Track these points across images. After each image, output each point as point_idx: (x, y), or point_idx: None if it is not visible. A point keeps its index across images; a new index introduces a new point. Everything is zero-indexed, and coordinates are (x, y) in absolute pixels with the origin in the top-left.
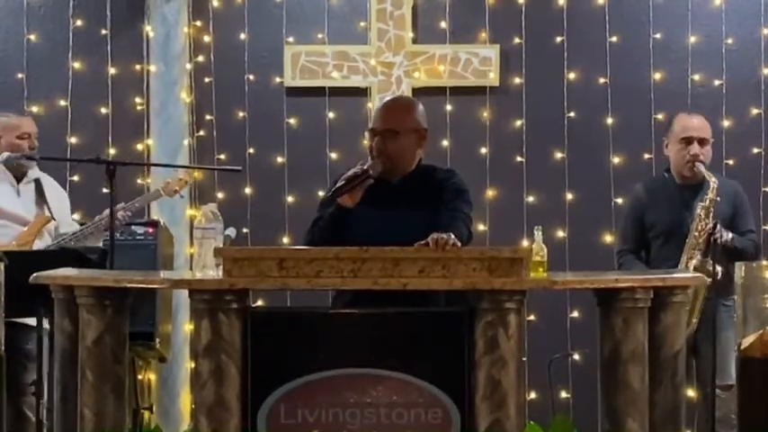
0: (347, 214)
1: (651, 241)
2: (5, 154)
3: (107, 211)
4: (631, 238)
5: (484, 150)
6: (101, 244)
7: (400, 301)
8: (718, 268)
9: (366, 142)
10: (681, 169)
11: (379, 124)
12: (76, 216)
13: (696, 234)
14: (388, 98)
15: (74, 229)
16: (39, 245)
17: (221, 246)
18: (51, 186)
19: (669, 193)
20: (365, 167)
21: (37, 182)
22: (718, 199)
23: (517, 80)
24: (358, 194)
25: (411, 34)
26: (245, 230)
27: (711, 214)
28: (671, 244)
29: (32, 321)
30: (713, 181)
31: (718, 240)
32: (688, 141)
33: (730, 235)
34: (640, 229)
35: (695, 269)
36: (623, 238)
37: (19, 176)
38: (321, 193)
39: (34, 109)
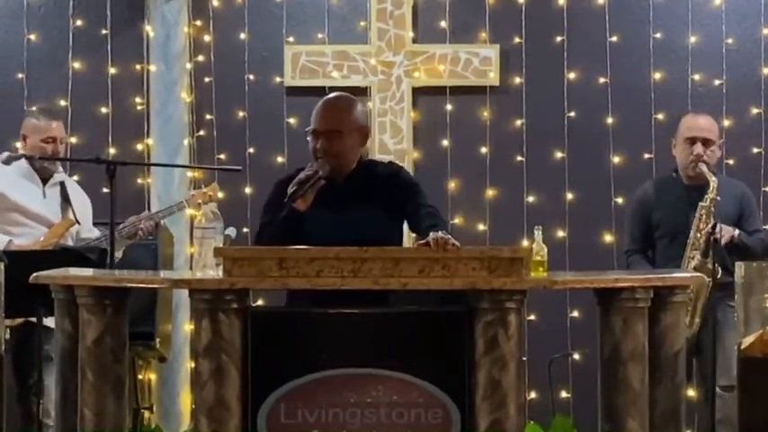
0: (299, 217)
1: (657, 241)
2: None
3: (132, 219)
4: (639, 237)
5: (484, 150)
6: (119, 253)
7: (390, 301)
8: (719, 269)
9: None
10: (685, 169)
11: (320, 125)
12: (98, 233)
13: (697, 234)
14: (326, 98)
15: (94, 234)
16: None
17: (221, 245)
18: (75, 190)
19: (676, 193)
20: (315, 169)
21: (62, 185)
22: (719, 198)
23: (517, 80)
24: (310, 197)
25: (411, 34)
26: (245, 230)
27: (712, 214)
28: (676, 244)
29: (52, 323)
30: (713, 180)
31: (719, 240)
32: (692, 141)
33: (736, 231)
34: (647, 228)
35: (695, 269)
36: (631, 237)
37: (45, 178)
38: (267, 198)
39: (34, 109)
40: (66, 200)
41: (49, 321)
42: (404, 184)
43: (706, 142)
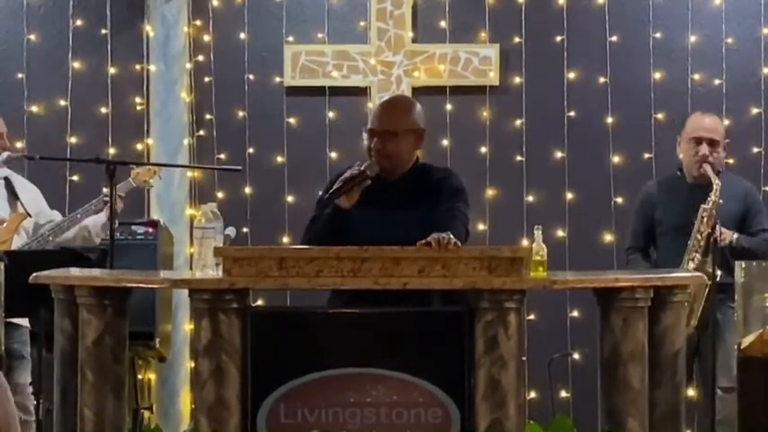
0: (344, 215)
1: (659, 239)
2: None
3: (103, 194)
4: (641, 235)
5: (484, 150)
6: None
7: (391, 301)
8: (718, 271)
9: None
10: (690, 169)
11: (377, 125)
12: (60, 216)
13: (698, 236)
14: (385, 98)
15: (56, 216)
16: (17, 242)
17: (221, 245)
18: (21, 183)
19: (679, 192)
20: (362, 168)
21: (6, 180)
22: (721, 201)
23: (517, 80)
24: (355, 195)
25: (411, 34)
26: (245, 230)
27: (713, 216)
28: (678, 243)
29: (24, 321)
30: (716, 183)
31: (719, 242)
32: (698, 141)
33: (735, 235)
34: (649, 226)
35: (695, 270)
36: (633, 235)
37: None
38: (321, 193)
39: (34, 109)
40: (12, 194)
41: (21, 320)
42: (448, 188)
43: (712, 143)
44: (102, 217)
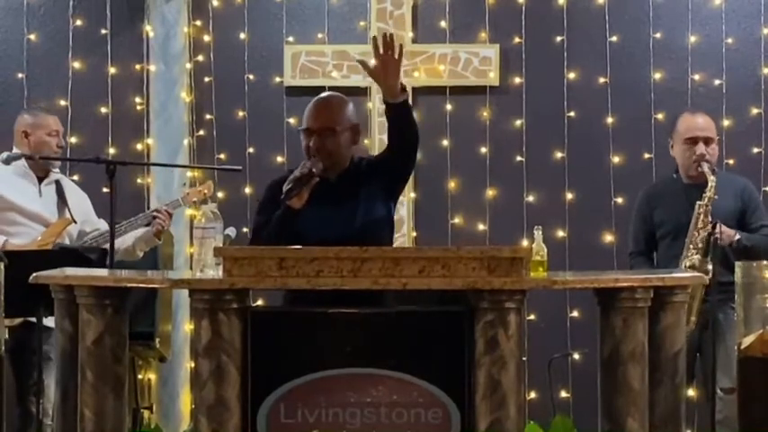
0: (295, 215)
1: (659, 241)
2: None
3: (154, 209)
4: (642, 239)
5: (484, 150)
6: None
7: (384, 301)
8: (712, 267)
9: (367, 141)
10: (687, 170)
11: (313, 123)
12: (106, 226)
13: (695, 234)
14: (317, 97)
15: (103, 226)
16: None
17: (221, 245)
18: (71, 188)
19: (676, 193)
20: (309, 167)
21: (57, 183)
22: (716, 198)
23: (517, 80)
24: (305, 195)
25: (411, 34)
26: (244, 230)
27: (709, 213)
28: (678, 243)
29: (51, 323)
30: (711, 180)
31: (719, 241)
32: (693, 142)
33: (736, 235)
34: (650, 229)
35: (693, 268)
36: (634, 240)
37: (41, 177)
38: (259, 201)
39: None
40: (62, 198)
41: (49, 321)
42: (375, 160)
43: (707, 141)
44: (150, 231)
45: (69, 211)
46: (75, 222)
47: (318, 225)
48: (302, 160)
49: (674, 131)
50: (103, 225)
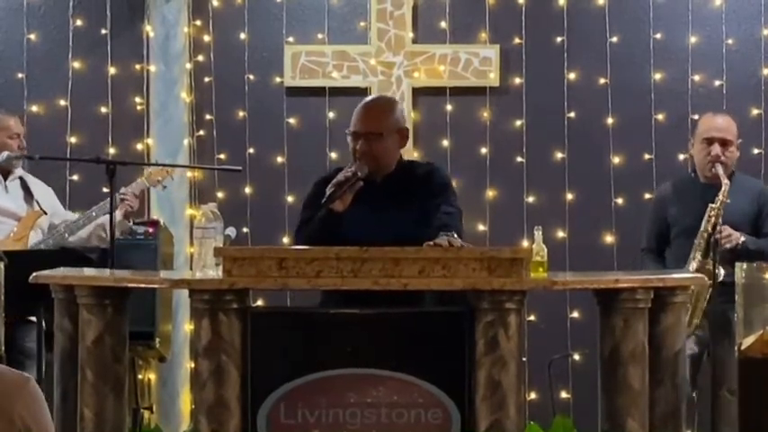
0: (338, 218)
1: (673, 240)
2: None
3: (120, 192)
4: (654, 236)
5: (484, 150)
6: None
7: (386, 302)
8: (722, 270)
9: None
10: (702, 170)
11: (360, 127)
12: (76, 215)
13: (704, 234)
14: (366, 100)
15: (71, 216)
16: (33, 238)
17: (221, 245)
18: (36, 183)
19: (692, 192)
20: (354, 170)
21: (22, 179)
22: (729, 201)
23: (517, 80)
24: (348, 198)
25: (411, 34)
26: (245, 230)
27: (720, 216)
28: (690, 243)
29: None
30: (725, 183)
31: (721, 243)
32: (710, 142)
33: (742, 238)
34: (663, 227)
35: (696, 270)
36: (647, 236)
37: (5, 175)
38: (307, 196)
39: (34, 109)
40: (28, 192)
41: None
42: (435, 183)
43: (724, 142)
44: (118, 215)
45: (38, 203)
46: (46, 213)
47: (361, 227)
48: (301, 160)
49: (695, 130)
50: (71, 216)
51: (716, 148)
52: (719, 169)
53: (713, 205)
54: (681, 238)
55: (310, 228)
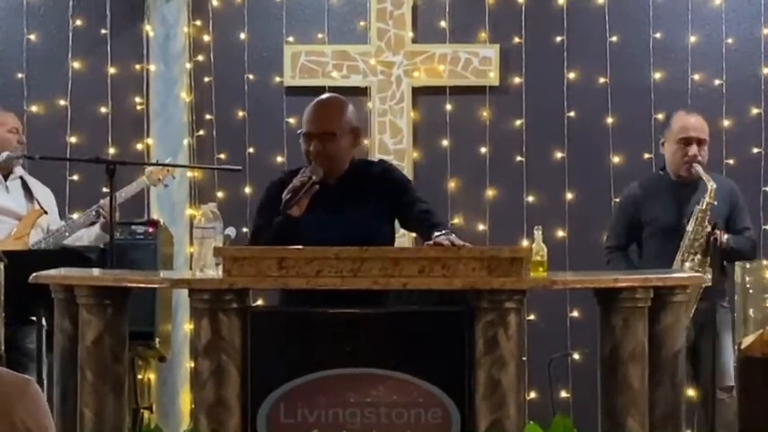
0: (295, 223)
1: (645, 239)
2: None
3: (99, 204)
4: (623, 234)
5: (484, 150)
6: (91, 239)
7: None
8: (708, 276)
9: (367, 142)
10: (677, 169)
11: (313, 127)
12: (75, 216)
13: (692, 236)
14: (317, 100)
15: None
16: (34, 237)
17: (221, 245)
18: (36, 184)
19: (665, 191)
20: (309, 175)
21: (22, 179)
22: (716, 203)
23: (517, 80)
24: (305, 203)
25: (411, 34)
26: (244, 230)
27: (708, 217)
28: (666, 241)
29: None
30: (711, 185)
31: (718, 242)
32: (687, 142)
33: (725, 237)
34: (633, 226)
35: (692, 270)
36: (614, 234)
37: (5, 174)
38: (260, 201)
39: (34, 109)
40: (28, 192)
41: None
42: (395, 181)
43: (699, 142)
44: (96, 229)
45: (38, 202)
46: (46, 213)
47: (318, 229)
48: (302, 160)
49: (668, 129)
50: (60, 225)
51: (693, 149)
52: (700, 170)
53: (700, 207)
54: (656, 237)
55: (268, 234)
